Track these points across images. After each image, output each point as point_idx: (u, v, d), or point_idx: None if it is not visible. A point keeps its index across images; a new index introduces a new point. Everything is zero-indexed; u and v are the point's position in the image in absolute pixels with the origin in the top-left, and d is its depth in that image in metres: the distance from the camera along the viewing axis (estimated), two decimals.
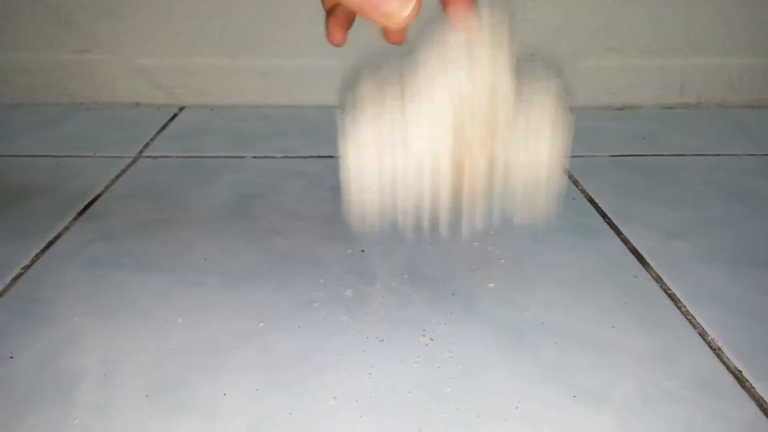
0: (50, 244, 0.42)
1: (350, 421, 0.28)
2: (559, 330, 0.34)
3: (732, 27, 0.67)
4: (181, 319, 0.35)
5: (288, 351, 0.33)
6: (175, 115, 0.66)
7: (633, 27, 0.67)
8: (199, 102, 0.69)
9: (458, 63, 0.29)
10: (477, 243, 0.42)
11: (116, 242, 0.42)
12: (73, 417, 0.28)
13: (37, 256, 0.41)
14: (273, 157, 0.56)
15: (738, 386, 0.31)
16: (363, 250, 0.41)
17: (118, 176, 0.52)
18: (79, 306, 0.36)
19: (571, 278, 0.39)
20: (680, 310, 0.36)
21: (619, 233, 0.44)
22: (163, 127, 0.63)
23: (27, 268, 0.39)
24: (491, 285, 0.38)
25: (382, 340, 0.33)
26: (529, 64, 0.33)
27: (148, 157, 0.56)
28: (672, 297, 0.37)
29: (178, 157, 0.56)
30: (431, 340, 0.33)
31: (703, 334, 0.34)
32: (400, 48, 0.32)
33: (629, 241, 0.43)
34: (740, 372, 0.32)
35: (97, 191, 0.49)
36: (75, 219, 0.45)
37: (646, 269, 0.40)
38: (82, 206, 0.47)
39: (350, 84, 0.31)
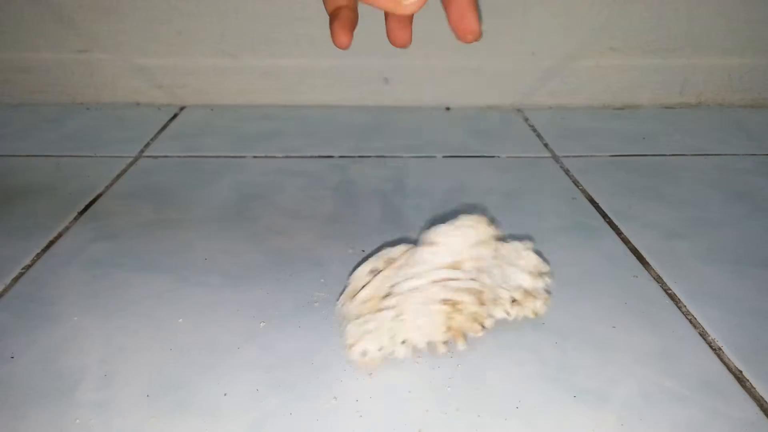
0: (51, 243, 0.42)
1: (350, 421, 0.28)
2: (560, 330, 0.34)
3: (732, 26, 0.67)
4: (181, 319, 0.35)
5: (288, 351, 0.33)
6: (175, 115, 0.66)
7: (633, 27, 0.67)
8: (199, 102, 0.69)
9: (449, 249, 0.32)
10: None
11: (117, 242, 0.42)
12: (74, 416, 0.28)
13: (38, 256, 0.41)
14: (274, 157, 0.56)
15: (738, 386, 0.31)
16: (363, 250, 0.41)
17: (118, 176, 0.52)
18: (80, 306, 0.36)
19: (572, 278, 0.39)
20: (681, 310, 0.36)
21: (619, 233, 0.44)
22: (164, 127, 0.63)
23: (28, 267, 0.39)
24: None
25: None
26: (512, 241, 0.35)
27: (148, 156, 0.56)
28: (672, 297, 0.38)
29: (178, 156, 0.56)
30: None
31: (703, 334, 0.34)
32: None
33: (629, 241, 0.43)
34: (741, 372, 0.32)
35: (98, 191, 0.49)
36: (75, 219, 0.45)
37: (646, 269, 0.40)
38: (82, 206, 0.47)
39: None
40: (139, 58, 0.67)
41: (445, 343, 0.32)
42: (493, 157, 0.57)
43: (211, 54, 0.67)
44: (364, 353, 0.31)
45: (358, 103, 0.69)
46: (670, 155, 0.58)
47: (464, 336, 0.32)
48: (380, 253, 0.34)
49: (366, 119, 0.65)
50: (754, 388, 0.31)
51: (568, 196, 0.50)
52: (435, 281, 0.31)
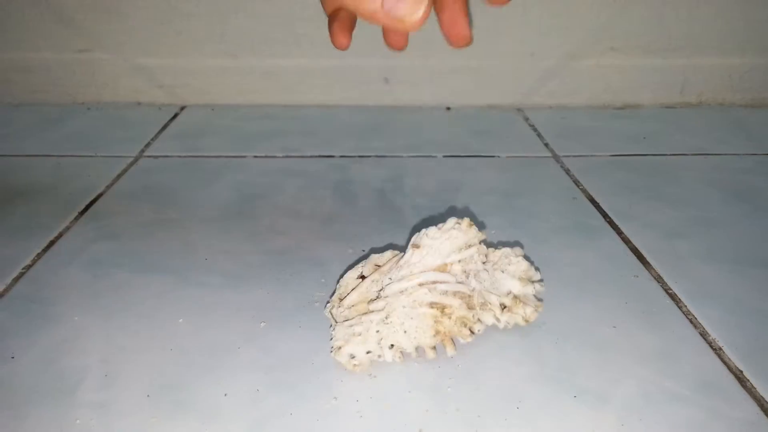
0: (51, 243, 0.42)
1: (350, 422, 0.28)
2: (560, 330, 0.34)
3: (732, 27, 0.67)
4: (182, 319, 0.35)
5: (289, 351, 0.33)
6: (176, 115, 0.66)
7: (634, 27, 0.67)
8: (200, 101, 0.69)
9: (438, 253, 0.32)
10: None
11: (117, 242, 0.42)
12: (75, 417, 0.28)
13: (39, 256, 0.41)
14: (274, 157, 0.56)
15: (739, 386, 0.31)
16: (363, 250, 0.42)
17: (119, 176, 0.52)
18: (81, 306, 0.36)
19: (572, 278, 0.39)
20: (681, 310, 0.36)
21: (619, 233, 0.44)
22: (165, 127, 0.63)
23: (28, 267, 0.39)
24: None
25: None
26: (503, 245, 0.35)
27: (149, 156, 0.56)
28: (673, 297, 0.38)
29: (179, 156, 0.56)
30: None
31: (704, 334, 0.34)
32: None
33: (630, 241, 0.43)
34: (741, 372, 0.32)
35: (99, 191, 0.49)
36: (76, 219, 0.45)
37: (647, 269, 0.40)
38: (83, 206, 0.47)
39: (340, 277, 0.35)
40: (139, 57, 0.67)
41: (434, 348, 0.32)
42: (493, 156, 0.57)
43: (212, 54, 0.67)
44: (351, 356, 0.31)
45: (358, 103, 0.69)
46: (670, 155, 0.58)
47: (453, 341, 0.32)
48: (368, 259, 0.35)
49: (366, 119, 0.65)
50: (755, 388, 0.31)
51: (569, 195, 0.50)
52: (422, 284, 0.31)
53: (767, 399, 0.30)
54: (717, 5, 0.66)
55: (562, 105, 0.70)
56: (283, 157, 0.56)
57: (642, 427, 0.28)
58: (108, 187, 0.50)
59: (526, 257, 0.35)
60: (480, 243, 0.33)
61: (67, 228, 0.44)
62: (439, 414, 0.29)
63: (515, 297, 0.33)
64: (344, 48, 0.33)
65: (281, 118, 0.65)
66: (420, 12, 0.25)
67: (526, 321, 0.33)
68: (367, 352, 0.31)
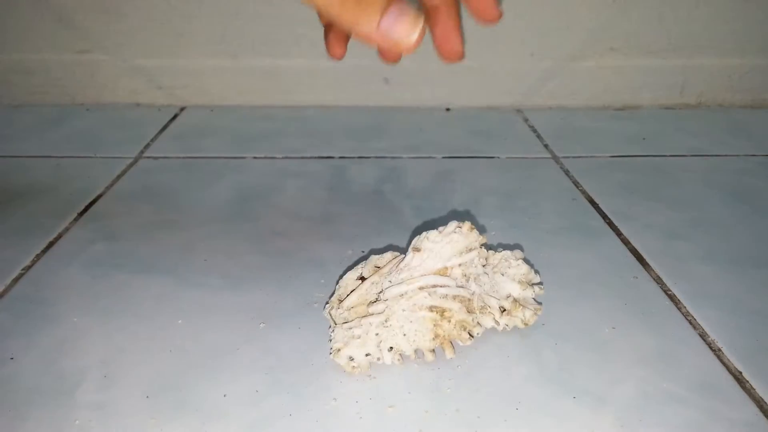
0: (51, 244, 0.42)
1: (350, 422, 0.28)
2: (560, 331, 0.34)
3: (732, 27, 0.67)
4: (181, 320, 0.35)
5: (288, 352, 0.33)
6: (175, 116, 0.66)
7: (633, 27, 0.67)
8: (199, 102, 0.69)
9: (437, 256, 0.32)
10: None
11: (117, 243, 0.42)
12: (74, 417, 0.28)
13: (38, 257, 0.41)
14: (274, 158, 0.56)
15: (738, 387, 0.31)
16: (363, 251, 0.41)
17: (118, 177, 0.52)
18: (80, 307, 0.36)
19: (571, 279, 0.39)
20: (680, 311, 0.36)
21: (619, 234, 0.44)
22: (164, 128, 0.63)
23: (28, 268, 0.39)
24: None
25: None
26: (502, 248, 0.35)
27: (148, 157, 0.56)
28: (672, 298, 0.38)
29: (178, 157, 0.56)
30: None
31: (703, 335, 0.34)
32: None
33: (629, 242, 0.43)
34: (740, 373, 0.32)
35: (98, 192, 0.49)
36: (76, 220, 0.45)
37: (646, 270, 0.40)
38: (82, 207, 0.47)
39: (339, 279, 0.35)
40: (139, 58, 0.67)
41: (433, 351, 0.32)
42: (492, 157, 0.57)
43: (212, 54, 0.67)
44: (350, 359, 0.31)
45: (358, 103, 0.69)
46: (670, 156, 0.58)
47: (452, 344, 0.32)
48: (368, 260, 0.35)
49: (366, 119, 0.65)
50: (754, 389, 0.31)
51: (568, 196, 0.50)
52: (422, 288, 0.31)
53: (766, 400, 0.30)
54: (717, 5, 0.66)
55: (561, 106, 0.70)
56: (283, 157, 0.56)
57: (641, 427, 0.28)
58: (107, 188, 0.50)
59: (526, 260, 0.35)
60: (480, 246, 0.33)
61: (67, 229, 0.44)
62: (438, 415, 0.29)
63: (515, 300, 0.33)
64: (339, 58, 0.33)
65: (281, 119, 0.65)
66: (415, 35, 0.25)
67: (525, 324, 0.33)
68: (366, 355, 0.31)
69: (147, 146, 0.58)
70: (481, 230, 0.39)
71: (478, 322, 0.33)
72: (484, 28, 0.65)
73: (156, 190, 0.50)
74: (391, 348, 0.31)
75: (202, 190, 0.50)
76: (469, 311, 0.32)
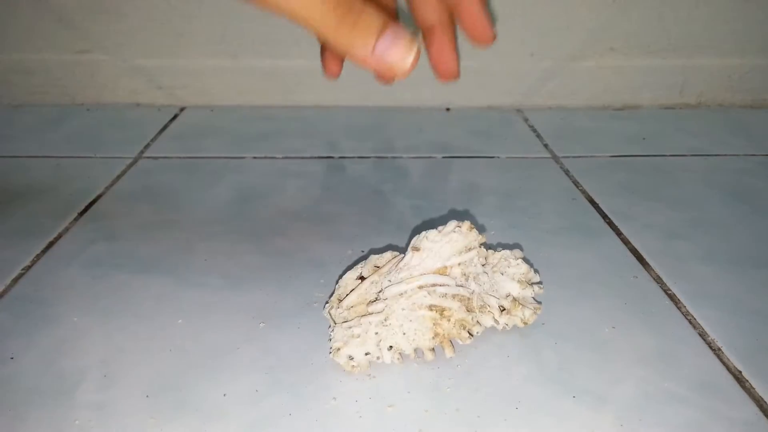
0: (51, 244, 0.42)
1: (350, 422, 0.28)
2: (559, 330, 0.34)
3: (732, 27, 0.67)
4: (181, 320, 0.35)
5: (288, 351, 0.33)
6: (175, 116, 0.66)
7: (633, 27, 0.67)
8: (199, 102, 0.69)
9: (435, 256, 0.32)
10: None
11: (117, 243, 0.42)
12: (74, 417, 0.28)
13: (38, 257, 0.41)
14: (274, 158, 0.56)
15: (738, 386, 0.31)
16: (363, 251, 0.42)
17: (118, 177, 0.52)
18: (80, 307, 0.36)
19: (571, 278, 0.39)
20: (680, 311, 0.36)
21: (619, 233, 0.44)
22: (164, 128, 0.63)
23: (27, 268, 0.39)
24: None
25: None
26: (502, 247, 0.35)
27: (148, 157, 0.56)
28: (672, 297, 0.38)
29: (178, 157, 0.56)
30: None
31: (703, 335, 0.34)
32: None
33: (629, 242, 0.43)
34: (740, 372, 0.32)
35: (98, 192, 0.49)
36: (75, 220, 0.45)
37: (646, 269, 0.40)
38: (82, 207, 0.47)
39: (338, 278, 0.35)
40: (139, 58, 0.67)
41: (432, 350, 0.32)
42: (493, 157, 0.57)
43: (212, 54, 0.67)
44: (350, 358, 0.31)
45: (358, 103, 0.69)
46: (670, 156, 0.58)
47: (451, 343, 0.32)
48: (368, 260, 0.35)
49: (366, 119, 0.65)
50: (754, 389, 0.31)
51: (568, 196, 0.50)
52: (421, 287, 0.31)
53: (766, 399, 0.30)
54: (717, 5, 0.66)
55: (561, 106, 0.70)
56: (283, 158, 0.56)
57: (641, 427, 0.28)
58: (107, 188, 0.50)
59: (526, 259, 0.35)
60: (480, 246, 0.33)
61: (67, 229, 0.44)
62: (438, 414, 0.29)
63: (514, 299, 0.33)
64: (336, 77, 0.34)
65: (281, 119, 0.65)
66: (410, 59, 0.25)
67: (525, 323, 0.33)
68: (366, 354, 0.31)
69: (147, 146, 0.58)
70: (481, 230, 0.39)
71: (477, 321, 0.33)
72: None
73: (156, 190, 0.50)
74: (391, 347, 0.31)
75: (202, 190, 0.50)
76: (469, 310, 0.32)
